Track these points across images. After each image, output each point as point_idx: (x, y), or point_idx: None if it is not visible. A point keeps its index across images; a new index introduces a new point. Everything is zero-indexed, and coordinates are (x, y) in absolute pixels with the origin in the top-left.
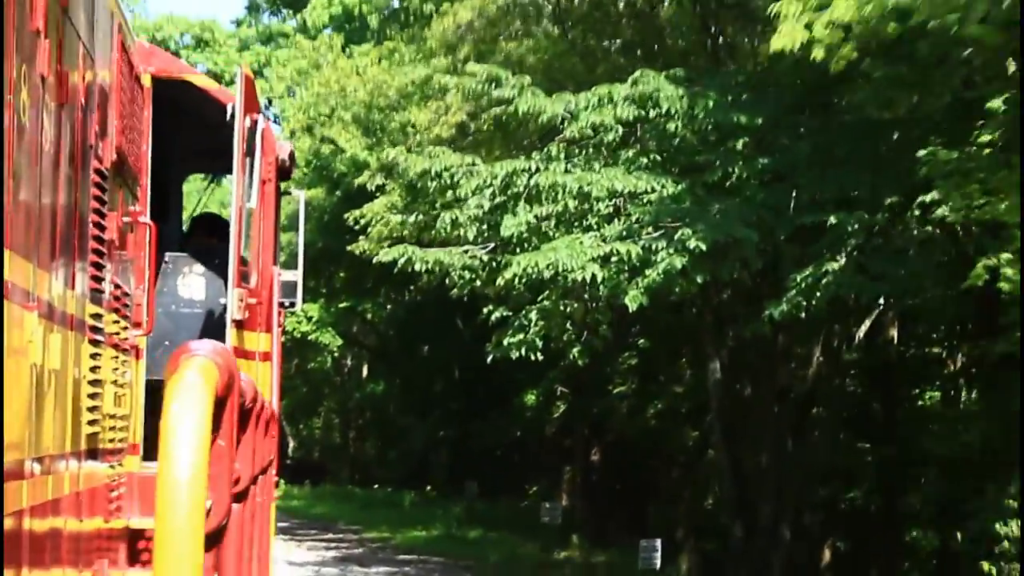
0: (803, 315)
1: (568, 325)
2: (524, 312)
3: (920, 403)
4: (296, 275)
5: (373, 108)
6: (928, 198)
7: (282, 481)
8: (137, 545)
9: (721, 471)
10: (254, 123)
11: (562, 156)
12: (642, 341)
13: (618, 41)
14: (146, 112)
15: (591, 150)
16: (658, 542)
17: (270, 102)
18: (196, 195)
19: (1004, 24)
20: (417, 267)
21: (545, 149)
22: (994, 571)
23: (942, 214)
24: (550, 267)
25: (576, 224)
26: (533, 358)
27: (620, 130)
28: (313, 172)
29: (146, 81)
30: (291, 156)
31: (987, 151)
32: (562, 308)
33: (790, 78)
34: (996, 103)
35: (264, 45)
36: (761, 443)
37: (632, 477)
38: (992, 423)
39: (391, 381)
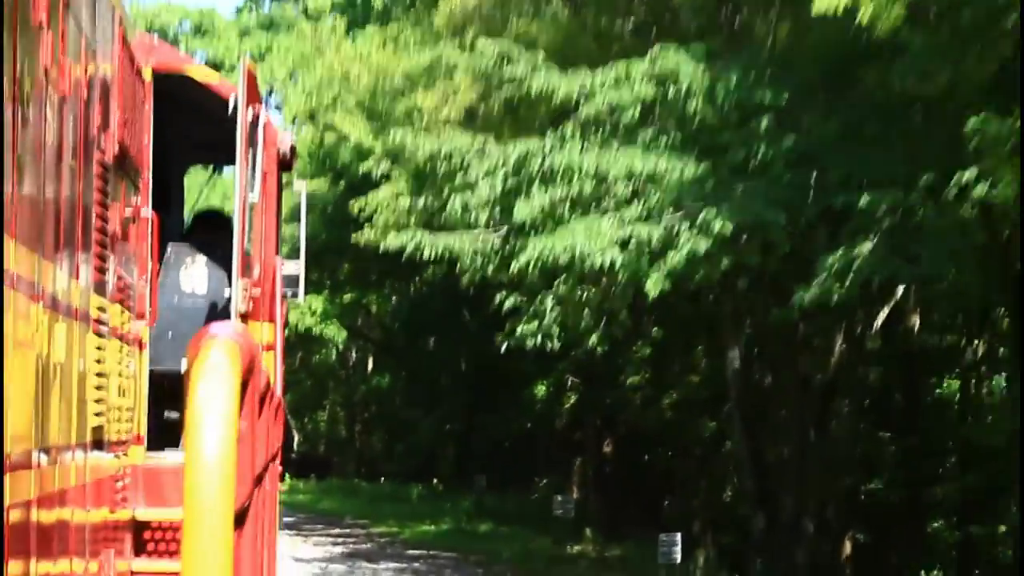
0: (834, 300)
1: (585, 312)
2: (539, 299)
3: (937, 392)
4: (298, 266)
5: (378, 94)
6: (967, 176)
7: (287, 475)
8: (143, 536)
9: (740, 463)
10: (256, 115)
11: (577, 137)
12: (656, 330)
13: (631, 20)
14: (147, 105)
15: (607, 130)
16: (678, 536)
17: (271, 90)
18: (197, 188)
19: None
20: (426, 253)
21: (559, 129)
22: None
23: (981, 192)
24: (567, 251)
25: (593, 207)
26: (549, 346)
27: (638, 109)
28: (316, 163)
29: (147, 74)
30: (292, 148)
31: None
32: (579, 294)
33: (818, 52)
34: None
35: (265, 32)
36: (782, 434)
37: (645, 469)
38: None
39: (397, 374)
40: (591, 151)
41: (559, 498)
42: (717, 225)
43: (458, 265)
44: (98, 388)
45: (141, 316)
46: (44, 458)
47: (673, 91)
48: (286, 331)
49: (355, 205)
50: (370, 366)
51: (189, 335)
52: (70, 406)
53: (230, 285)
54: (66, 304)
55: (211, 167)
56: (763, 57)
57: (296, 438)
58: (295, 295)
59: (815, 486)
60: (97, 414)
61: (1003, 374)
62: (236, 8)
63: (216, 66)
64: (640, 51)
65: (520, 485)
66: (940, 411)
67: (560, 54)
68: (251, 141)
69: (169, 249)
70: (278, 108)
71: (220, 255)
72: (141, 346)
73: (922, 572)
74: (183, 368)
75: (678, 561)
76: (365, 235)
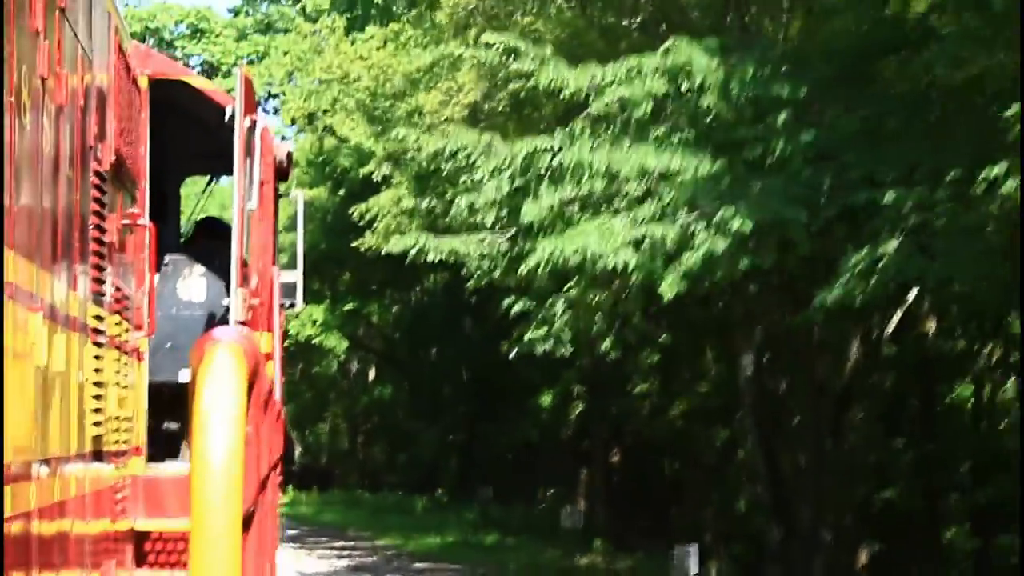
0: (858, 301)
1: (597, 316)
2: (549, 303)
3: (949, 399)
4: (296, 275)
5: (378, 95)
6: (995, 172)
7: (290, 487)
8: (143, 546)
9: (755, 472)
10: (253, 124)
11: (587, 134)
12: (664, 337)
13: (638, 18)
14: (144, 114)
15: (618, 127)
16: (693, 547)
17: (270, 95)
18: (195, 198)
19: None
20: (431, 257)
21: (568, 127)
22: None
23: (1010, 188)
24: (578, 253)
25: (603, 207)
26: (560, 353)
27: (650, 105)
28: (316, 170)
29: (143, 83)
30: (288, 157)
31: None
32: (590, 298)
33: (836, 44)
34: None
35: (262, 34)
36: (798, 442)
37: (654, 480)
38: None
39: (399, 385)
40: (602, 149)
41: (567, 509)
42: (736, 224)
43: (464, 269)
44: (97, 399)
45: (139, 327)
46: (43, 469)
47: (686, 85)
48: (285, 341)
49: (356, 211)
50: (371, 376)
51: (188, 346)
52: (69, 417)
53: (228, 295)
54: (64, 315)
55: (208, 177)
56: (778, 50)
57: (297, 450)
58: (292, 304)
59: (832, 495)
60: (96, 425)
61: (1014, 378)
62: (232, 10)
63: (213, 68)
64: (648, 48)
65: (524, 496)
66: (954, 417)
67: (566, 51)
68: (248, 150)
69: (167, 259)
70: (276, 112)
71: (218, 265)
72: (140, 357)
73: None
74: (182, 378)
75: (693, 573)
76: (366, 241)
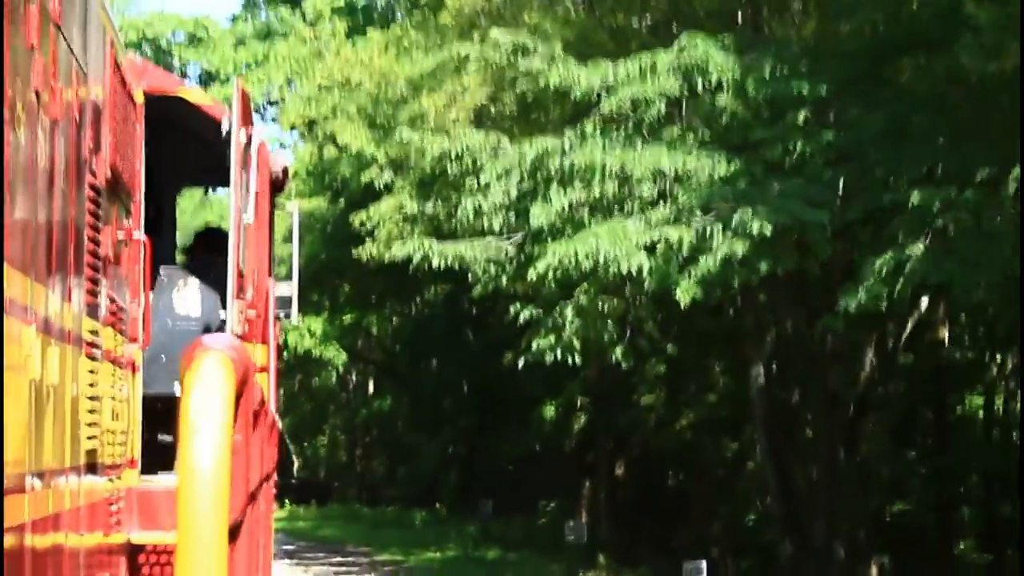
0: (884, 306)
1: (608, 324)
2: (558, 310)
3: (959, 409)
4: (291, 287)
5: (380, 100)
6: None
7: (287, 501)
8: (137, 559)
9: (766, 485)
10: (249, 137)
11: (597, 135)
12: (671, 347)
13: (648, 19)
14: (139, 128)
15: (631, 127)
16: (703, 564)
17: (269, 102)
18: (191, 210)
19: None
20: (435, 263)
21: (579, 127)
22: None
23: None
24: (589, 257)
25: (615, 210)
26: (570, 361)
27: (663, 104)
28: (315, 180)
29: (139, 97)
30: (284, 170)
31: None
32: (601, 305)
33: (852, 44)
34: None
35: (262, 42)
36: (811, 453)
37: (660, 493)
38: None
39: (398, 397)
40: (613, 149)
41: (571, 523)
42: (755, 226)
43: (467, 277)
44: (91, 412)
45: (134, 339)
46: (38, 482)
47: (701, 84)
48: (283, 353)
49: (356, 219)
50: (371, 389)
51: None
52: (63, 430)
53: (223, 307)
54: (59, 328)
55: (203, 189)
56: (795, 48)
57: (296, 463)
58: (288, 316)
59: (846, 508)
60: (90, 438)
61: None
62: (231, 17)
63: (210, 76)
64: (661, 48)
65: (524, 510)
66: (966, 428)
67: (575, 52)
68: (244, 163)
69: (162, 272)
70: (275, 120)
71: (213, 277)
72: (134, 369)
73: None
74: (177, 391)
75: None
76: (367, 249)
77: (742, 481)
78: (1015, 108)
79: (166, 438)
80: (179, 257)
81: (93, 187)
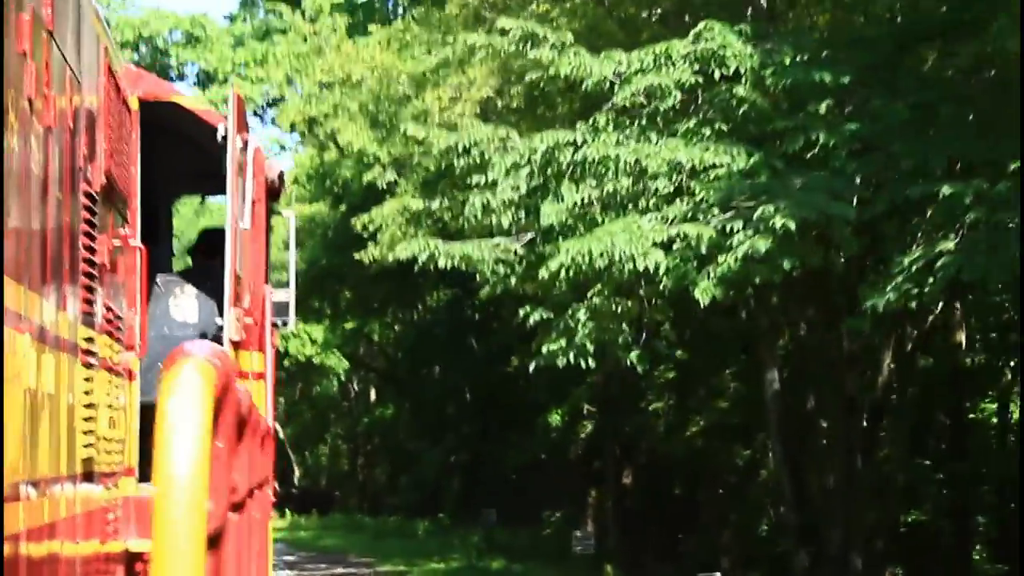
0: (914, 305)
1: (623, 326)
2: (571, 312)
3: (971, 415)
4: (288, 294)
5: (382, 98)
6: None
7: (288, 511)
8: (135, 567)
9: (780, 493)
10: (245, 143)
11: (611, 127)
12: (680, 352)
13: (658, 11)
14: (134, 135)
15: (645, 120)
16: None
17: (268, 103)
18: (188, 217)
19: None
20: (441, 263)
21: (591, 119)
22: None
23: None
24: (603, 256)
25: (630, 206)
26: (583, 365)
27: (678, 96)
28: (316, 184)
29: (134, 104)
30: (280, 176)
31: None
32: (614, 306)
33: (871, 32)
34: None
35: (260, 42)
36: (827, 460)
37: (669, 501)
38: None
39: (401, 405)
40: (627, 143)
41: (578, 533)
42: (779, 222)
43: (473, 280)
44: (87, 420)
45: (131, 347)
46: (33, 491)
47: (719, 73)
48: (283, 361)
49: (358, 222)
50: (373, 396)
51: None
52: (59, 438)
53: (220, 314)
54: (54, 336)
55: (199, 196)
56: (815, 36)
57: (297, 472)
58: (285, 323)
59: (863, 516)
60: (87, 446)
61: None
62: (228, 16)
63: (208, 76)
64: (671, 39)
65: (529, 519)
66: (981, 434)
67: (584, 43)
68: (240, 169)
69: (159, 279)
70: (274, 122)
71: (210, 285)
72: (131, 377)
73: None
74: None
75: None
76: (369, 252)
77: (754, 489)
78: None
79: None
80: (180, 259)
81: (88, 194)
